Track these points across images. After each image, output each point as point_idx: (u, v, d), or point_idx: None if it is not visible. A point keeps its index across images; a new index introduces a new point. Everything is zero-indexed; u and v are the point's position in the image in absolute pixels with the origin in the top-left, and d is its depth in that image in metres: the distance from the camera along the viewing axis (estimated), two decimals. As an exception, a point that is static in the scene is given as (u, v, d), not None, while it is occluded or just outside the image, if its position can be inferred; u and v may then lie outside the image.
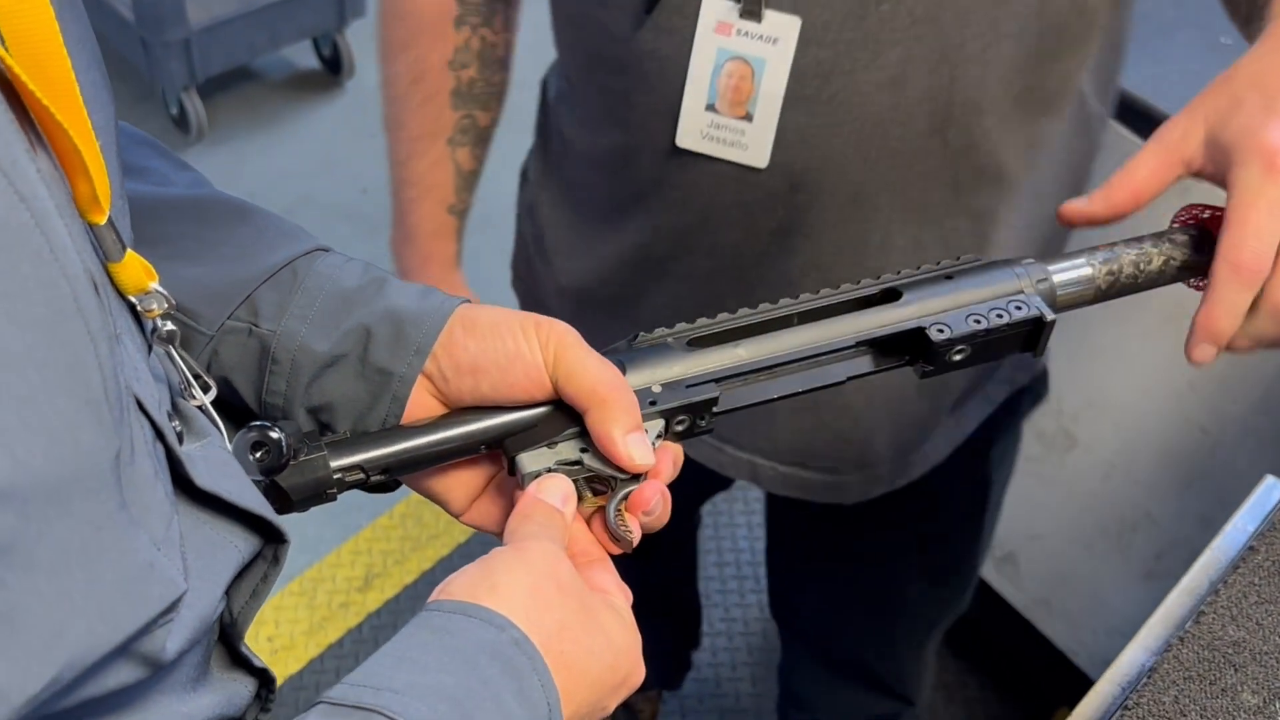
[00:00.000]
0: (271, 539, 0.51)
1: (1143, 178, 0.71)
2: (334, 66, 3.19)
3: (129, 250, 0.43)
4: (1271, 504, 0.87)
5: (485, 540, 2.17)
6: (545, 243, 1.10)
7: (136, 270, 0.44)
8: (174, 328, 0.50)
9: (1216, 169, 0.69)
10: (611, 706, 0.54)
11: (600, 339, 0.62)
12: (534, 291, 1.17)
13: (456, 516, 0.64)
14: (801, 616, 1.47)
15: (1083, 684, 1.76)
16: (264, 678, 0.55)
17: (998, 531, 1.80)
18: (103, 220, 0.40)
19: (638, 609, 0.57)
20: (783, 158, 0.87)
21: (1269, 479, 0.91)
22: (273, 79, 3.25)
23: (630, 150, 0.93)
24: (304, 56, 3.27)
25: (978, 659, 2.00)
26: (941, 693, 1.97)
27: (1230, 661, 0.71)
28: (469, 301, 0.60)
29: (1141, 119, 1.36)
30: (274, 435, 0.55)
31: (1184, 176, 0.72)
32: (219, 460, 0.49)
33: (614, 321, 1.04)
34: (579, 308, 1.09)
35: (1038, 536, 1.75)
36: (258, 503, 0.49)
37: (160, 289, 0.47)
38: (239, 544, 0.49)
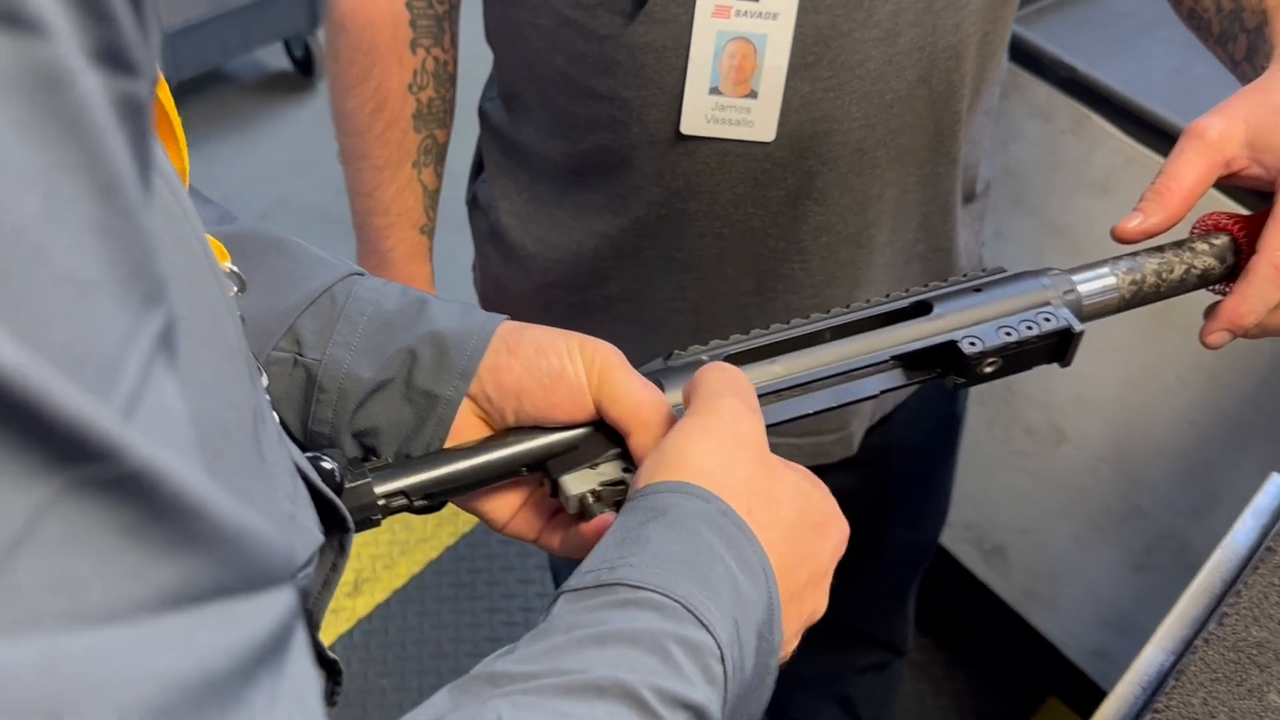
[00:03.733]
0: (335, 527, 0.51)
1: (1194, 181, 0.71)
2: (306, 68, 3.17)
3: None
4: (1278, 502, 0.89)
5: (475, 543, 2.17)
6: (526, 262, 1.08)
7: (213, 249, 0.45)
8: (241, 313, 0.50)
9: (1263, 170, 0.71)
10: (823, 556, 0.55)
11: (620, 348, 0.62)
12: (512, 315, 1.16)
13: (498, 530, 0.64)
14: None
15: (1071, 674, 1.77)
16: (332, 669, 0.55)
17: (986, 525, 1.82)
18: None
19: None
20: (790, 127, 0.88)
21: (1275, 476, 0.92)
22: (245, 81, 3.23)
23: (624, 148, 0.93)
24: (276, 58, 3.24)
25: (965, 652, 2.02)
26: (929, 685, 1.99)
27: (1255, 662, 0.73)
28: (508, 319, 0.61)
29: (1124, 116, 1.38)
30: (326, 466, 0.55)
31: (1224, 177, 0.73)
32: (291, 446, 0.49)
33: (620, 324, 1.04)
34: (575, 315, 1.07)
35: (1027, 530, 1.76)
36: (328, 489, 0.50)
37: (235, 268, 0.48)
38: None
